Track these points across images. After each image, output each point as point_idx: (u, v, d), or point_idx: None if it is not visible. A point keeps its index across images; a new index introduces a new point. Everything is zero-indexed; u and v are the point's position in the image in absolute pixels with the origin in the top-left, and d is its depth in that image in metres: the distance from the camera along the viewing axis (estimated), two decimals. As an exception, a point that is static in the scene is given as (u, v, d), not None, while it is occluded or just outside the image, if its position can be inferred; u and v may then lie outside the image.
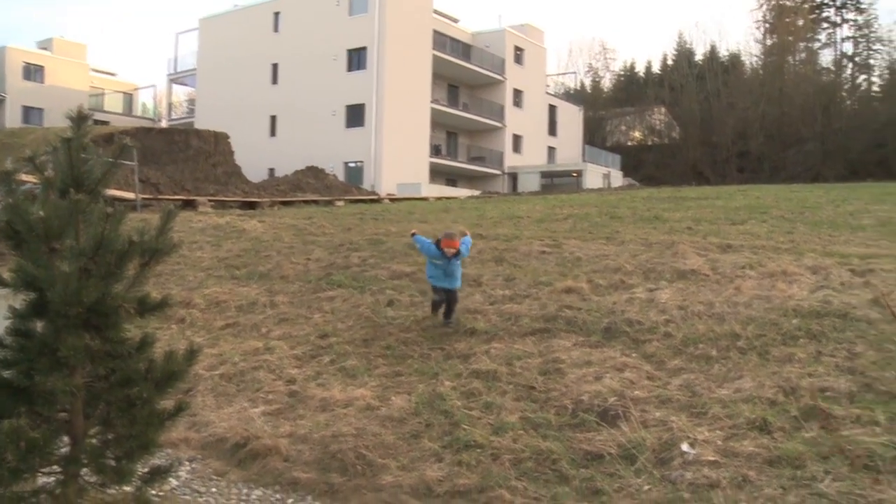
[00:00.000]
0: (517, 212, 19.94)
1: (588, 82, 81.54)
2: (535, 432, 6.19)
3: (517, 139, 56.14)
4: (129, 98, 66.80)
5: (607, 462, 5.62)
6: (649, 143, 75.81)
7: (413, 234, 9.65)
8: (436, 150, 49.43)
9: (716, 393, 6.61)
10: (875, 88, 68.88)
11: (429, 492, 5.56)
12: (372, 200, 31.75)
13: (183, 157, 35.99)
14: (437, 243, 8.83)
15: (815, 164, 58.70)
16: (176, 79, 59.11)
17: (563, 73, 78.22)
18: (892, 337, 7.48)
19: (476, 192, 43.58)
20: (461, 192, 43.04)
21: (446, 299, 9.10)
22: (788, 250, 12.10)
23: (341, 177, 42.46)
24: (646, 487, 5.25)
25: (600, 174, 54.46)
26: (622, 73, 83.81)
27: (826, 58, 71.31)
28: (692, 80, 71.02)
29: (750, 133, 63.85)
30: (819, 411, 6.09)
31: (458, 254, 8.88)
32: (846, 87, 69.67)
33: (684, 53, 76.50)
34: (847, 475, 5.16)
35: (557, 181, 52.49)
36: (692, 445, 5.74)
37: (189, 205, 24.18)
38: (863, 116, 62.42)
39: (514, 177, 53.98)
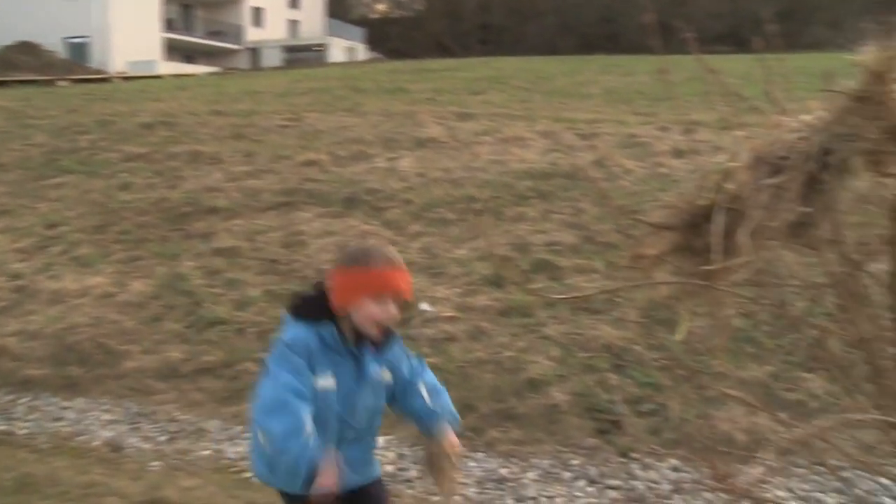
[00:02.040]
0: (257, 87, 19.24)
1: (330, -49, 79.03)
2: (279, 304, 6.19)
3: (258, 12, 53.50)
4: None
5: (352, 328, 5.74)
6: (394, 16, 75.39)
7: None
8: (169, 25, 46.07)
9: (453, 253, 6.88)
10: (604, -35, 72.46)
11: (174, 372, 5.53)
12: (100, 80, 29.12)
13: None
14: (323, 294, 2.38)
15: (553, 36, 61.29)
16: None
17: (305, -59, 75.12)
18: (611, 193, 8.07)
19: (216, 69, 41.42)
20: (200, 69, 40.60)
21: None
22: (523, 117, 12.62)
23: (64, 55, 38.57)
24: (388, 347, 5.43)
25: (345, 48, 53.57)
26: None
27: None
28: (435, -49, 70.81)
29: (492, 5, 65.24)
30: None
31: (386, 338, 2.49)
32: (579, -38, 72.69)
33: (426, -77, 75.87)
34: (569, 318, 5.62)
35: (301, 56, 50.93)
36: (432, 304, 5.99)
37: None
38: (594, -9, 65.61)
39: (255, 52, 51.67)
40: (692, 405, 4.70)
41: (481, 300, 6.02)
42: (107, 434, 4.92)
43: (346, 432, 2.35)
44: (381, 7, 77.91)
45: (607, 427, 4.61)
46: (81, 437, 4.91)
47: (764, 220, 1.32)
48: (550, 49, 53.65)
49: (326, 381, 2.25)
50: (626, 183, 8.29)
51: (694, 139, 9.69)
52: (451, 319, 5.78)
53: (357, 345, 2.32)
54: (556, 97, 16.39)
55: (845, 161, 1.34)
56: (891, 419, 1.43)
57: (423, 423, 2.51)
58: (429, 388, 2.52)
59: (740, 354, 5.25)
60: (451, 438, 2.47)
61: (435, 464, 2.47)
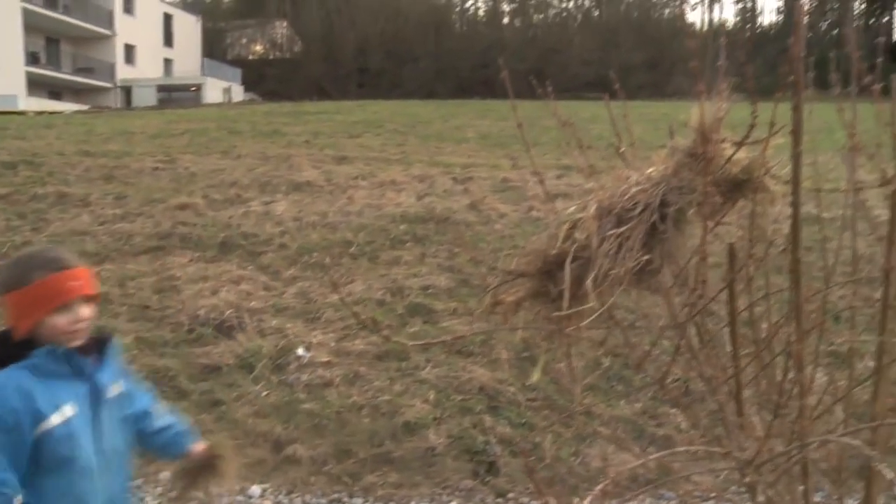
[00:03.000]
0: (130, 127, 18.73)
1: (207, -9, 78.18)
2: (150, 351, 6.06)
3: (130, 49, 52.16)
4: None
5: (225, 373, 5.69)
6: (271, 57, 74.99)
7: None
8: (33, 59, 44.27)
9: (329, 298, 6.86)
10: (481, 13, 74.90)
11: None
12: (-44, 115, 27.66)
13: None
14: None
15: (430, 81, 62.32)
16: None
17: (179, -20, 74.03)
18: (485, 237, 8.26)
19: (84, 107, 40.04)
20: (67, 106, 39.17)
21: None
22: (399, 161, 12.77)
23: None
24: (264, 393, 5.40)
25: (221, 88, 52.83)
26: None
27: (438, -20, 75.70)
28: (314, -6, 71.17)
29: (370, 50, 65.90)
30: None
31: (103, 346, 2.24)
32: (457, 9, 74.82)
33: (304, -33, 76.22)
34: (445, 361, 5.70)
35: (176, 96, 49.88)
36: (307, 349, 5.95)
37: None
38: (471, 38, 67.44)
39: (128, 90, 50.26)
40: (565, 444, 4.83)
41: (358, 345, 6.02)
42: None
43: (99, 462, 2.07)
44: (258, 48, 77.33)
45: (484, 468, 4.67)
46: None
47: (609, 268, 1.41)
48: (428, 93, 54.49)
49: (65, 412, 1.98)
50: (500, 226, 8.50)
51: (567, 183, 10.04)
52: (327, 364, 5.75)
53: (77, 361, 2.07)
54: (432, 141, 16.66)
55: (681, 211, 1.45)
56: (717, 449, 1.54)
57: (169, 444, 2.39)
58: (157, 405, 2.39)
59: (610, 392, 5.44)
60: (202, 447, 2.42)
61: (198, 477, 2.42)
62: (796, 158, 1.54)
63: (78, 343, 2.05)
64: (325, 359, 5.83)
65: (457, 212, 9.14)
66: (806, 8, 1.57)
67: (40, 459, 1.96)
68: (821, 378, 2.35)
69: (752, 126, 1.43)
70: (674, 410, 5.14)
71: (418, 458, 4.74)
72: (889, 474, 1.13)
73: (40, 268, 2.00)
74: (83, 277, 2.06)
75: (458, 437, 4.89)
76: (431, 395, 5.31)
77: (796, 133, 1.52)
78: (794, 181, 1.57)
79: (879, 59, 2.07)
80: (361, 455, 4.77)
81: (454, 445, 4.83)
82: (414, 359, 5.77)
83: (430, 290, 6.98)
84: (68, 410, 1.99)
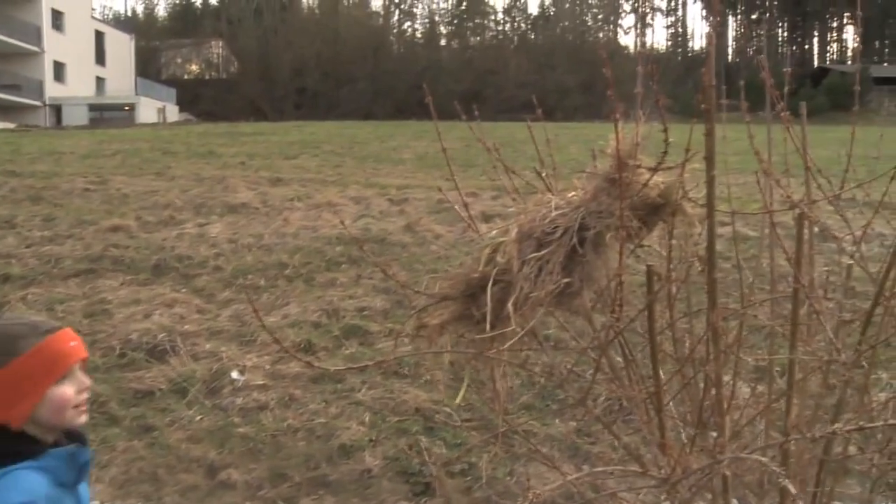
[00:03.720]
0: (60, 147, 18.35)
1: (140, 9, 77.32)
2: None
3: (59, 67, 50.97)
4: None
5: (158, 398, 5.60)
6: (207, 77, 74.30)
7: None
8: (-44, 75, 43.03)
9: (263, 320, 6.79)
10: (418, 35, 75.57)
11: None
12: None
13: None
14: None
15: (367, 102, 62.43)
16: None
17: (112, -3, 72.92)
18: (420, 258, 8.30)
19: (11, 125, 38.99)
20: (-7, 124, 38.19)
21: None
22: (335, 182, 12.77)
23: None
24: (198, 418, 5.33)
25: (155, 108, 52.00)
26: (178, 1, 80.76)
27: (376, 2, 76.37)
28: (250, 14, 70.88)
29: (307, 70, 65.77)
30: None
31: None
32: (394, 31, 75.34)
33: (242, -13, 75.91)
34: (380, 383, 5.69)
35: (108, 115, 48.97)
36: (242, 372, 5.89)
37: None
38: (408, 60, 67.92)
39: (57, 109, 49.12)
40: (502, 464, 4.86)
41: (293, 367, 5.98)
42: None
43: None
44: (193, 68, 76.53)
45: (420, 489, 4.66)
46: None
47: (528, 291, 1.45)
48: (365, 114, 54.56)
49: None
50: (435, 248, 8.55)
51: (502, 204, 10.13)
52: (262, 387, 5.69)
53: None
54: (369, 162, 16.68)
55: (600, 235, 1.50)
56: (633, 469, 1.59)
57: None
58: None
59: (545, 411, 5.49)
60: None
61: None
62: (710, 183, 1.61)
63: (81, 418, 1.68)
64: (260, 382, 5.78)
65: (392, 233, 9.17)
66: (714, 39, 1.63)
67: None
68: (747, 392, 2.43)
69: (664, 153, 1.48)
70: (614, 430, 5.21)
71: (354, 480, 4.72)
72: (792, 489, 1.19)
73: (25, 336, 1.60)
74: (76, 337, 1.71)
75: (394, 459, 4.88)
76: (367, 417, 5.30)
77: (709, 158, 1.58)
78: (709, 205, 1.63)
79: (786, 89, 2.18)
80: (297, 478, 4.73)
81: (390, 467, 4.81)
82: (349, 381, 5.75)
83: (365, 312, 6.98)
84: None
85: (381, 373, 5.79)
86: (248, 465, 4.80)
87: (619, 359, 1.85)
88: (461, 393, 1.78)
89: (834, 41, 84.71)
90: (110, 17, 67.47)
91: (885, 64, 70.92)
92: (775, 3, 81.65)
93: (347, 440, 5.02)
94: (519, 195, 1.91)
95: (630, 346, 1.85)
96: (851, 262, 2.19)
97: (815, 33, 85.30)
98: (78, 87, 52.14)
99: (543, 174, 1.77)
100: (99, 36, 56.66)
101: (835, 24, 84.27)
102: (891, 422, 1.67)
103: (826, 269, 2.57)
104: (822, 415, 2.10)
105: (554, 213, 1.55)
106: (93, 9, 58.55)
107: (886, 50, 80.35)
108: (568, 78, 60.10)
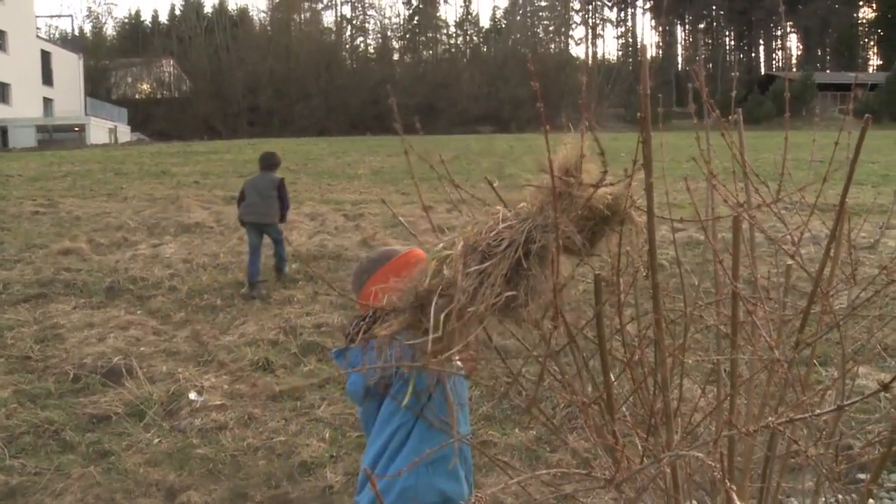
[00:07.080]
0: (6, 170, 18.05)
1: (88, 28, 76.37)
2: (32, 404, 5.83)
3: (4, 88, 50.10)
4: None
5: (115, 422, 5.54)
6: (159, 96, 73.58)
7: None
8: None
9: (221, 340, 6.78)
10: (371, 50, 75.78)
11: None
12: None
13: None
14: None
15: (321, 118, 62.35)
16: None
17: (58, 16, 72.05)
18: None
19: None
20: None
21: None
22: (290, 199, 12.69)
23: None
24: (156, 440, 5.28)
25: (106, 129, 51.28)
26: (127, 20, 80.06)
27: (328, 19, 76.43)
28: (201, 32, 70.52)
29: (260, 88, 65.54)
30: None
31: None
32: (347, 46, 75.45)
33: (192, 5, 75.50)
34: (339, 399, 5.69)
35: (57, 136, 48.11)
36: (200, 393, 5.84)
37: None
38: (361, 75, 68.00)
39: (3, 131, 48.17)
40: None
41: (251, 386, 5.96)
42: None
43: None
44: (144, 87, 75.72)
45: (381, 504, 4.67)
46: None
47: (466, 304, 1.48)
48: (320, 130, 54.47)
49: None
50: (393, 262, 8.58)
51: (457, 217, 10.19)
52: (220, 408, 5.65)
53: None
54: (325, 178, 16.67)
55: (545, 248, 1.54)
56: (577, 471, 1.63)
57: None
58: None
59: (506, 422, 5.53)
60: None
61: None
62: (648, 190, 1.66)
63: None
64: (219, 402, 5.73)
65: (349, 248, 9.18)
66: (648, 52, 1.69)
67: None
68: (698, 393, 2.49)
69: (604, 173, 1.53)
70: (570, 437, 5.26)
71: (316, 497, 4.71)
72: (732, 489, 1.23)
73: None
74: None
75: (355, 475, 4.88)
76: (327, 434, 5.29)
77: (647, 165, 1.64)
78: (649, 212, 1.68)
79: (733, 93, 2.26)
80: (258, 498, 4.70)
81: (351, 482, 4.81)
82: (309, 398, 5.75)
83: (323, 328, 6.98)
84: None
85: (341, 388, 5.79)
86: (209, 487, 4.76)
87: (569, 367, 1.89)
88: (405, 400, 1.82)
89: (779, 49, 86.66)
90: (56, 36, 66.33)
91: (828, 71, 72.79)
92: (721, 13, 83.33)
93: (308, 457, 5.01)
94: (468, 207, 1.95)
95: (583, 352, 1.90)
96: (791, 262, 2.26)
97: (761, 42, 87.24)
98: (24, 107, 51.17)
99: (495, 185, 1.80)
100: (45, 56, 55.78)
101: (779, 33, 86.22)
102: (818, 412, 1.74)
103: (773, 269, 2.65)
104: (769, 413, 2.16)
105: (501, 226, 1.58)
106: (38, 28, 57.62)
107: (828, 57, 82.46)
108: (521, 90, 60.61)
